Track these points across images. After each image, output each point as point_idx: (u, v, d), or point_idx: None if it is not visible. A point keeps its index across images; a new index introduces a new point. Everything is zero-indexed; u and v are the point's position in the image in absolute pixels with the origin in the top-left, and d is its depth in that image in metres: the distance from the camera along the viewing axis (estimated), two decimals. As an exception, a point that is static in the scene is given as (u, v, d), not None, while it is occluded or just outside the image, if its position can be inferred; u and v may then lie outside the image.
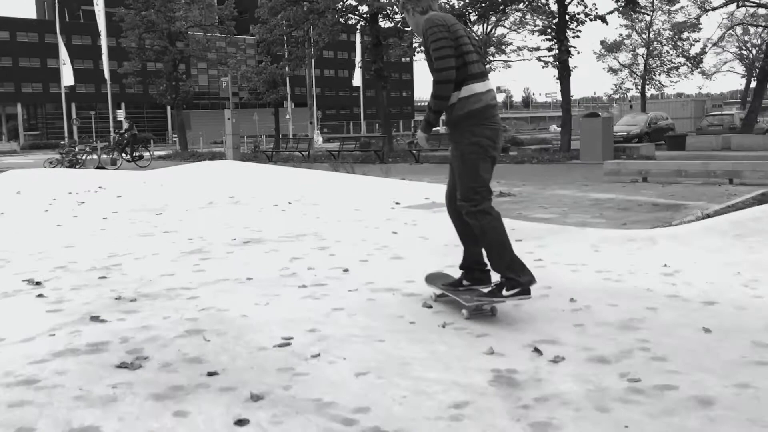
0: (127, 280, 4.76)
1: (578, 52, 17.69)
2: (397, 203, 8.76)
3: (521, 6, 18.91)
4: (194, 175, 11.09)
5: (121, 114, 40.92)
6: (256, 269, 5.01)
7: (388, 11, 23.39)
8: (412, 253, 5.58)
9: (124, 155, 22.39)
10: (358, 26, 28.21)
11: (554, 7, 18.08)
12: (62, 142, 29.00)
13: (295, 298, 4.21)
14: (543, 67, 18.56)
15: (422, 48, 3.95)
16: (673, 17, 37.37)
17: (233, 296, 4.25)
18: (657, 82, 39.24)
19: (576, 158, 17.46)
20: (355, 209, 8.38)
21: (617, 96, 43.37)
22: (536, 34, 19.07)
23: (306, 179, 11.13)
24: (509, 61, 34.84)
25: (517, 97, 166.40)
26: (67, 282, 4.72)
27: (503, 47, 33.32)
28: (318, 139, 37.90)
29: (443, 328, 3.52)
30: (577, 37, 17.96)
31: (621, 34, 39.32)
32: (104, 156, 22.43)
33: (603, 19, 18.25)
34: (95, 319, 3.74)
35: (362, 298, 4.16)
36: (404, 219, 7.35)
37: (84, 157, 22.10)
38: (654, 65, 38.27)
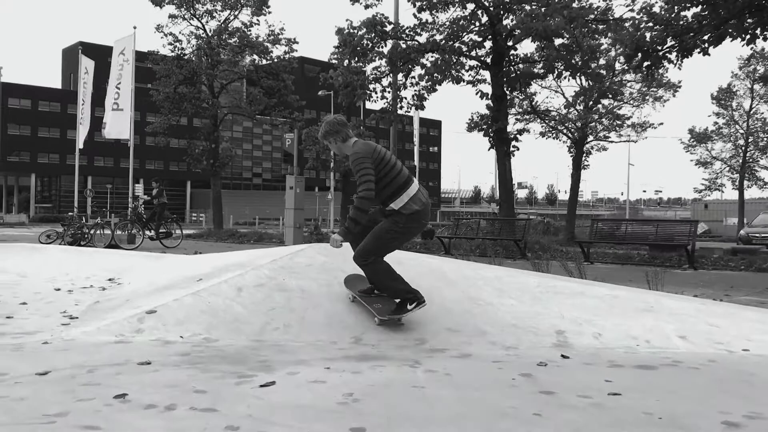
0: None
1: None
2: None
3: (743, 40, 13.04)
4: (280, 269, 5.84)
5: (139, 189, 35.66)
6: None
7: (515, 39, 17.08)
8: None
9: (147, 231, 16.66)
10: (467, 77, 18.64)
11: None
12: (69, 213, 22.79)
13: None
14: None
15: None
16: (776, 104, 32.30)
17: None
18: (759, 181, 33.65)
19: None
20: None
21: (708, 193, 37.27)
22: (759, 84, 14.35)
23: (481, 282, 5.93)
24: (613, 141, 25.94)
25: (540, 193, 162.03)
26: None
27: (622, 122, 26.46)
28: None
29: None
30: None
31: (716, 122, 34.16)
32: (119, 231, 16.74)
33: None
34: None
35: None
36: None
37: (93, 231, 16.53)
38: (752, 159, 32.79)
